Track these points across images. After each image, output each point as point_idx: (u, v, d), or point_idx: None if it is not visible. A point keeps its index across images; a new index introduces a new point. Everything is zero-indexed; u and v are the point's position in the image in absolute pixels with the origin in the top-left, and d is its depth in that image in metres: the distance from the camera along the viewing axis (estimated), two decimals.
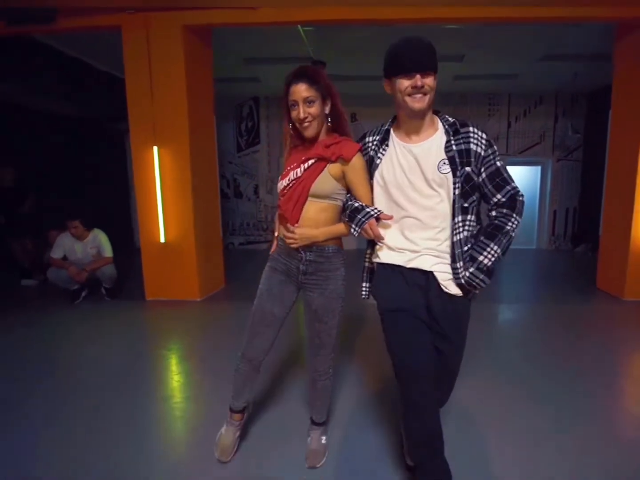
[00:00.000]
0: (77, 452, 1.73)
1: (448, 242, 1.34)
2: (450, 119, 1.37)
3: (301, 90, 1.36)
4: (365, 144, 1.45)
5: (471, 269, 1.31)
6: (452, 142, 1.30)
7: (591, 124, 6.97)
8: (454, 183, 1.28)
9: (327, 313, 1.49)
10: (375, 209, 1.37)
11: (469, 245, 1.35)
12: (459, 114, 7.12)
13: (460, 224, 1.32)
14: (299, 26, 4.26)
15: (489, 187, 1.34)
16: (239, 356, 1.60)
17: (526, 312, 3.80)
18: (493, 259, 1.30)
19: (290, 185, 1.43)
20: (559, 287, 4.74)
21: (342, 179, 1.42)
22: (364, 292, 1.54)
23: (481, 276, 1.30)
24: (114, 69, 5.77)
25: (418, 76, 1.23)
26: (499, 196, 1.35)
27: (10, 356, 2.79)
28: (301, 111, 1.37)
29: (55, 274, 4.01)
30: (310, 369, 1.64)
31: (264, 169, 7.78)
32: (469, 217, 1.34)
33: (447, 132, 1.33)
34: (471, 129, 1.32)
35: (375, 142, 1.41)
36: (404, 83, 1.25)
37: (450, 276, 1.34)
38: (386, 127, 1.42)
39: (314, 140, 1.44)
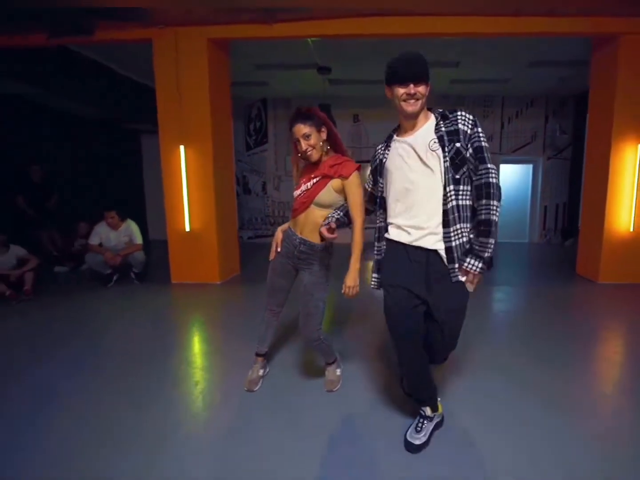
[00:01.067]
0: (106, 409, 2.00)
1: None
2: (440, 110, 1.61)
3: (300, 129, 1.80)
4: (375, 154, 1.77)
5: (480, 265, 1.50)
6: (442, 125, 1.54)
7: (578, 125, 7.45)
8: (444, 157, 1.50)
9: (314, 287, 1.95)
10: (333, 216, 1.86)
11: (464, 214, 1.53)
12: None
13: (453, 193, 1.51)
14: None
15: (473, 161, 1.51)
16: (264, 308, 2.16)
17: (512, 293, 4.30)
18: (492, 249, 1.51)
19: (302, 194, 1.91)
20: (544, 273, 5.25)
21: (342, 191, 1.87)
22: (373, 283, 1.79)
23: (483, 266, 1.52)
24: (136, 75, 6.28)
25: (411, 85, 1.49)
26: (476, 177, 1.52)
27: (52, 328, 3.19)
28: (303, 145, 1.82)
29: (93, 258, 4.53)
30: (304, 338, 2.07)
31: (271, 167, 8.26)
32: (461, 187, 1.52)
33: (436, 119, 1.58)
34: (459, 113, 1.55)
35: (381, 148, 1.73)
36: (400, 90, 1.51)
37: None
38: (389, 134, 1.73)
39: (319, 161, 1.89)
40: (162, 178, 4.52)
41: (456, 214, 1.53)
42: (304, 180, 1.91)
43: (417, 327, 1.61)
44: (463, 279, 1.55)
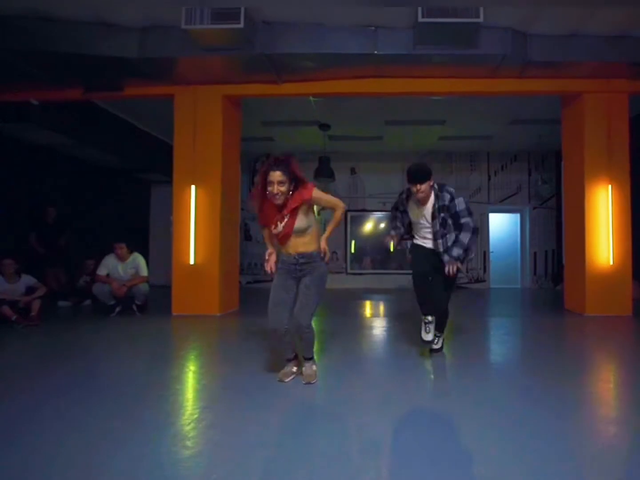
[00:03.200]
0: (95, 438, 1.68)
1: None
2: (436, 186, 2.73)
3: (276, 175, 2.15)
4: (402, 194, 2.93)
5: (452, 256, 2.71)
6: (435, 203, 2.72)
7: (560, 178, 8.02)
8: (434, 220, 2.74)
9: (312, 283, 2.28)
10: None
11: (447, 244, 2.74)
12: (445, 168, 8.28)
13: (440, 235, 2.75)
14: (311, 97, 5.37)
15: (451, 220, 2.74)
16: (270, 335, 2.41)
17: (506, 323, 4.50)
18: (460, 251, 2.70)
19: (282, 230, 2.23)
20: (535, 309, 5.42)
21: (310, 209, 2.28)
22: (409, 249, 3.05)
23: (457, 258, 2.71)
24: (152, 129, 6.92)
25: (418, 185, 2.62)
26: (456, 224, 2.75)
27: (53, 354, 3.16)
28: (275, 189, 2.15)
29: (100, 288, 4.71)
30: (297, 325, 2.26)
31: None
32: (445, 231, 2.75)
33: (434, 196, 2.72)
34: (442, 193, 2.72)
35: (405, 197, 2.91)
36: (412, 188, 2.68)
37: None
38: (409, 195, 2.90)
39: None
40: (173, 214, 4.84)
41: (440, 239, 2.77)
42: (277, 219, 2.23)
43: (427, 274, 2.82)
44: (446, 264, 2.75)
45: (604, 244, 4.69)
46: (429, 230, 2.80)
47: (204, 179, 4.80)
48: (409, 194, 2.83)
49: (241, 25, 3.74)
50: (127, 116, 6.35)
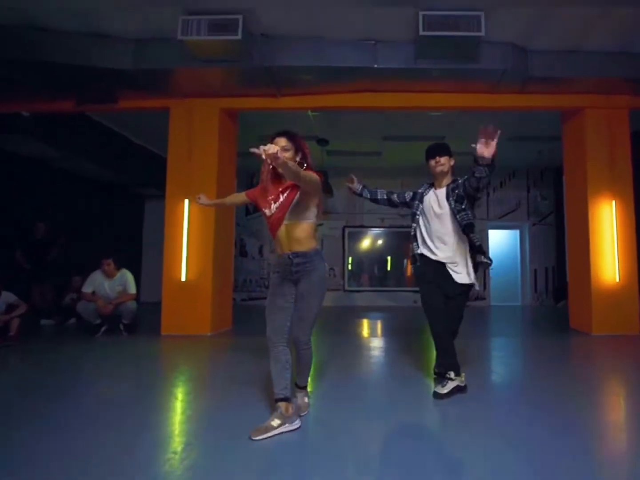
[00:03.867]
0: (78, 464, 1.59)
1: (454, 249, 2.48)
2: (451, 177, 2.56)
3: (280, 141, 1.96)
4: (415, 192, 2.70)
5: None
6: (450, 187, 2.49)
7: (559, 194, 7.98)
8: (449, 199, 2.47)
9: (309, 294, 2.00)
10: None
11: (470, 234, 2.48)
12: None
13: (456, 211, 2.44)
14: (309, 111, 5.29)
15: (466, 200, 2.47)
16: (269, 346, 2.01)
17: (511, 344, 4.28)
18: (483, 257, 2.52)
19: (275, 210, 1.98)
20: (540, 328, 5.24)
21: (314, 201, 2.01)
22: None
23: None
24: (147, 142, 6.80)
25: (437, 157, 2.50)
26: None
27: (29, 376, 2.95)
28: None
29: (84, 307, 4.47)
30: (295, 340, 2.03)
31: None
32: (461, 207, 2.46)
33: (449, 183, 2.52)
34: (458, 180, 2.49)
35: (421, 191, 2.67)
36: (431, 162, 2.54)
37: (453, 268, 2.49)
38: (428, 184, 2.68)
39: (282, 178, 1.99)
40: (165, 229, 4.67)
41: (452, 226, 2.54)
42: (272, 198, 2.00)
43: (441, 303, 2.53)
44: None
45: (609, 261, 4.57)
46: (441, 227, 2.48)
47: (199, 192, 4.59)
48: (419, 198, 2.63)
49: (239, 37, 3.68)
50: (122, 129, 6.24)
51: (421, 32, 3.61)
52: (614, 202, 4.62)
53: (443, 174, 2.51)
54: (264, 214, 2.07)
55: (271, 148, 1.58)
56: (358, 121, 5.87)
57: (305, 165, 2.02)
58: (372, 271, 8.61)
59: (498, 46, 4.06)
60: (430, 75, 4.27)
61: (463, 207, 2.42)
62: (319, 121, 5.84)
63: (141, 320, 5.15)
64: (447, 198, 2.46)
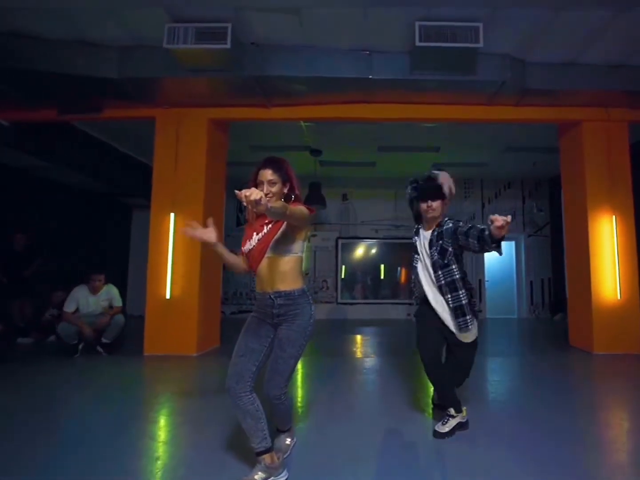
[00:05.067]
0: None
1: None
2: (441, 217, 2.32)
3: (267, 174, 1.77)
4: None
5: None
6: (436, 232, 2.28)
7: (554, 205, 7.91)
8: (432, 249, 2.27)
9: (289, 343, 1.74)
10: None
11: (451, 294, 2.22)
12: None
13: (439, 267, 2.23)
14: (302, 121, 5.14)
15: (451, 245, 2.23)
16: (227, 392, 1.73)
17: (509, 365, 4.12)
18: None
19: (256, 243, 1.79)
20: (539, 346, 5.09)
21: (301, 234, 1.80)
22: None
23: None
24: (135, 152, 6.59)
25: (429, 201, 2.26)
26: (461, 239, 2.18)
27: (5, 405, 2.80)
28: (265, 189, 1.76)
29: (65, 329, 4.23)
30: (266, 395, 1.76)
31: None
32: (444, 262, 2.22)
33: (435, 227, 2.31)
34: (447, 224, 2.25)
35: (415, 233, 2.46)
36: (423, 205, 2.29)
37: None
38: (419, 227, 2.45)
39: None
40: (149, 243, 4.46)
41: (446, 291, 2.29)
42: (255, 230, 1.82)
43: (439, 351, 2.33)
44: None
45: (610, 278, 4.44)
46: (430, 272, 2.28)
47: (185, 205, 4.45)
48: (416, 232, 2.46)
49: (228, 46, 3.51)
50: (107, 138, 6.02)
51: (417, 43, 3.48)
52: (614, 217, 4.50)
53: (434, 219, 2.31)
54: (242, 251, 1.87)
55: (253, 194, 1.39)
56: (352, 131, 5.74)
57: (293, 197, 1.85)
58: (365, 282, 8.44)
59: (496, 58, 3.95)
60: (426, 86, 4.15)
61: (446, 261, 2.21)
62: (312, 131, 5.69)
63: (125, 336, 4.91)
64: (431, 246, 2.28)
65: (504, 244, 1.99)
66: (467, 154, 6.79)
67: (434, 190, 2.27)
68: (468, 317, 2.20)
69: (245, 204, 1.43)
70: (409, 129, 5.56)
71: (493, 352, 4.65)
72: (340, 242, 8.37)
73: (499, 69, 3.97)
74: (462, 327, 2.21)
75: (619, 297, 4.44)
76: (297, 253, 1.83)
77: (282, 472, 1.75)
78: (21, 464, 1.91)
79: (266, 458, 1.70)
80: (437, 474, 1.90)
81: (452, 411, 2.28)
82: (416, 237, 2.42)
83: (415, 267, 2.38)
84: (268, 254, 1.79)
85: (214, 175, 4.77)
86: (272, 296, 1.77)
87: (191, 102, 4.45)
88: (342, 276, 8.35)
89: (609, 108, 4.54)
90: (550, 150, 6.23)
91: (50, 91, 4.24)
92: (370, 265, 8.45)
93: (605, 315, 4.43)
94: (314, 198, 6.75)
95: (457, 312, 2.21)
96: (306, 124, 5.29)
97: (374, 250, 8.47)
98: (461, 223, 2.21)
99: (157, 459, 2.01)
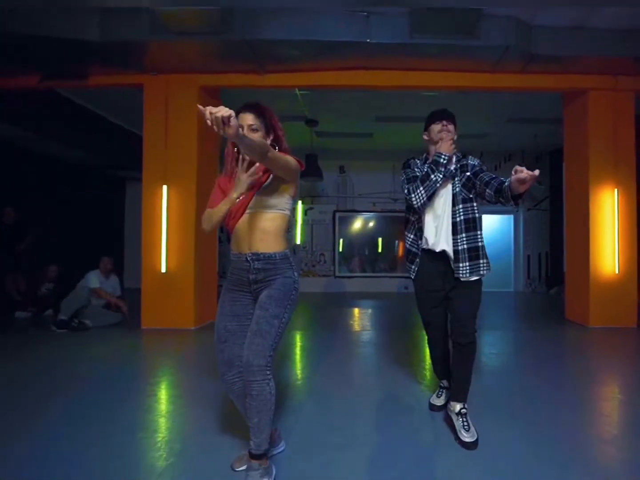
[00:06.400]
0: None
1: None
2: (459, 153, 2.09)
3: (248, 118, 1.51)
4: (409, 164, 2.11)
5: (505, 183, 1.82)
6: (459, 162, 2.03)
7: (554, 178, 7.79)
8: (454, 179, 2.00)
9: (270, 301, 1.48)
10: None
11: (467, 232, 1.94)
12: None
13: (461, 201, 1.96)
14: (297, 89, 4.94)
15: (477, 181, 1.95)
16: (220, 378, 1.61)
17: (506, 338, 4.15)
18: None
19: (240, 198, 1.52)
20: (535, 319, 5.13)
21: (290, 189, 1.57)
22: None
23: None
24: (126, 122, 6.36)
25: (444, 121, 1.99)
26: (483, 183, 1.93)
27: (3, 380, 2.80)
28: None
29: (95, 308, 4.52)
30: (244, 365, 1.44)
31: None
32: (469, 195, 1.97)
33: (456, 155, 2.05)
34: (469, 159, 2.03)
35: (419, 164, 2.11)
36: (436, 126, 2.01)
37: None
38: (421, 159, 2.13)
39: (253, 162, 1.49)
40: (142, 216, 4.38)
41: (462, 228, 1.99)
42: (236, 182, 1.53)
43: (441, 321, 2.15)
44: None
45: (609, 252, 4.41)
46: (445, 214, 1.96)
47: (178, 178, 4.33)
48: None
49: (217, 7, 3.31)
50: (95, 107, 5.79)
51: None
52: (616, 190, 4.42)
53: (448, 143, 1.97)
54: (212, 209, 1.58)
55: (221, 110, 1.06)
56: (349, 100, 5.53)
57: (277, 149, 1.55)
58: (362, 255, 8.42)
59: (501, 20, 3.74)
60: (427, 51, 3.95)
61: (470, 195, 1.94)
62: (307, 100, 5.48)
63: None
64: (453, 178, 1.97)
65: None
66: (469, 124, 6.58)
67: (448, 113, 2.03)
68: (482, 261, 1.92)
69: (209, 123, 1.09)
70: (408, 98, 5.36)
71: (489, 325, 4.68)
72: (337, 215, 8.29)
73: (503, 33, 3.77)
74: (474, 270, 1.90)
75: (617, 272, 4.43)
76: (282, 210, 1.57)
77: (280, 443, 1.75)
78: (25, 435, 1.92)
79: (258, 461, 1.48)
80: (428, 433, 1.92)
81: (463, 409, 1.93)
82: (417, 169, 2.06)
83: (421, 206, 1.97)
84: (249, 209, 1.54)
85: (207, 144, 4.62)
86: (248, 258, 1.51)
87: (180, 68, 4.24)
88: (340, 250, 8.33)
89: (616, 76, 4.36)
90: (553, 122, 6.05)
91: (29, 55, 4.02)
92: (367, 239, 8.42)
93: (602, 289, 4.44)
94: (311, 170, 6.61)
95: (472, 253, 1.91)
96: (301, 92, 5.08)
97: (371, 224, 8.41)
98: (485, 167, 2.00)
99: (155, 431, 2.01)
